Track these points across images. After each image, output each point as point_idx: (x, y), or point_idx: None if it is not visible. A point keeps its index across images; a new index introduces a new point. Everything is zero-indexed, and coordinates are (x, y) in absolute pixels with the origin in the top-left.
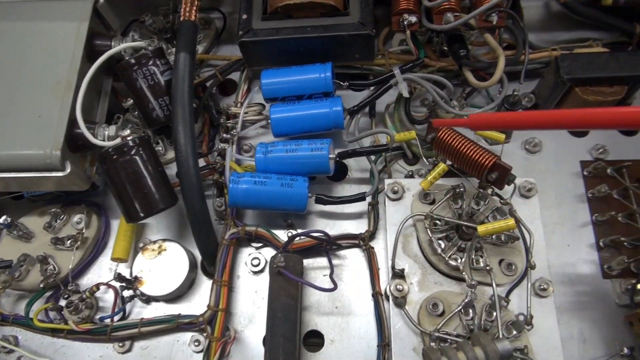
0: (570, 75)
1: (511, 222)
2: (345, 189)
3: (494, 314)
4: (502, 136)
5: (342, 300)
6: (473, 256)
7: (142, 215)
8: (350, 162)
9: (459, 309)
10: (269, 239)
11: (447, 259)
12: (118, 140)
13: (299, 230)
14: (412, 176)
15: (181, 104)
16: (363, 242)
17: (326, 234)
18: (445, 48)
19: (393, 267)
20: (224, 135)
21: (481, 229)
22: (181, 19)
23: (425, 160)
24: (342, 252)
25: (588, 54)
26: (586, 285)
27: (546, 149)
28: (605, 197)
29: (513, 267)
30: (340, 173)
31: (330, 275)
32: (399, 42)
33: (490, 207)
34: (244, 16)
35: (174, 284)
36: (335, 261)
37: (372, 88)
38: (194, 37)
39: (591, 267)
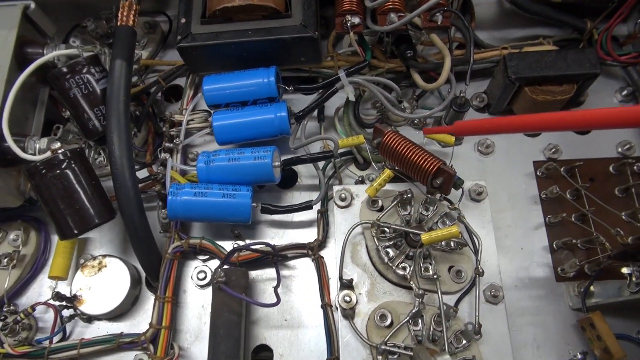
0: (518, 75)
1: (454, 229)
2: (295, 197)
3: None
4: (452, 139)
5: (292, 313)
6: (422, 264)
7: (75, 232)
8: (300, 168)
9: (406, 319)
10: (213, 252)
11: (394, 268)
12: (48, 153)
13: (248, 241)
14: (362, 182)
15: (116, 113)
16: (312, 251)
17: (271, 246)
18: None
19: (341, 278)
20: (167, 144)
21: (425, 237)
22: (118, 23)
23: (374, 165)
24: (292, 262)
25: (536, 52)
26: (540, 289)
27: (499, 150)
28: (558, 198)
29: (462, 274)
30: (290, 180)
31: (275, 289)
32: (348, 44)
33: (439, 212)
34: (183, 20)
35: (114, 301)
36: (284, 272)
37: (321, 91)
38: (131, 43)
39: (545, 270)
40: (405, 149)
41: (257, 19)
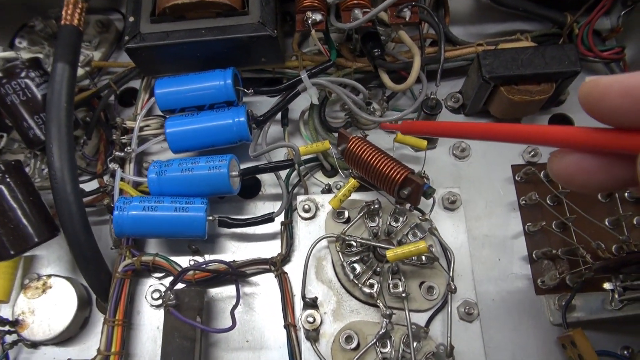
0: (493, 74)
1: (422, 245)
2: (259, 207)
3: (415, 344)
4: (424, 142)
5: (254, 334)
6: (390, 280)
7: (12, 252)
8: (264, 176)
9: (373, 341)
10: (168, 270)
11: (360, 285)
12: None
13: (206, 256)
14: (329, 190)
15: (56, 122)
16: (274, 267)
17: (227, 263)
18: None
19: (303, 297)
20: (117, 153)
21: (390, 254)
22: (62, 23)
23: (341, 172)
24: (255, 278)
25: (512, 49)
26: (519, 303)
27: (475, 153)
28: (537, 205)
29: (435, 290)
30: (253, 189)
31: (232, 311)
32: (313, 43)
33: (409, 223)
34: (131, 19)
35: (60, 325)
36: (246, 288)
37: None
38: (75, 45)
39: (524, 282)
40: (371, 156)
41: (211, 17)
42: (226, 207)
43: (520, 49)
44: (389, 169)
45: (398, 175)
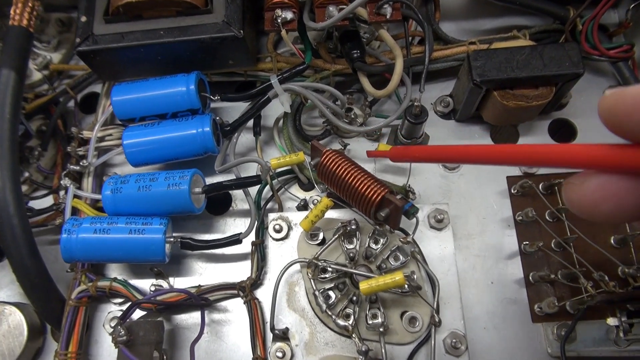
0: (484, 77)
1: (399, 277)
2: (229, 224)
3: None
4: None
5: None
6: (368, 310)
7: None
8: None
9: None
10: (127, 296)
11: (334, 317)
12: None
13: (171, 279)
14: (305, 207)
15: None
16: (243, 292)
17: (186, 292)
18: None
19: (272, 328)
20: (72, 167)
21: (364, 286)
22: (9, 23)
23: (317, 186)
24: (225, 304)
25: (506, 49)
26: (513, 332)
27: (468, 164)
28: (535, 221)
29: (418, 321)
30: (223, 204)
31: (192, 346)
32: (292, 40)
33: (390, 246)
34: (83, 18)
35: (9, 357)
36: (214, 314)
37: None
38: (23, 48)
39: (519, 308)
40: (346, 172)
41: (171, 16)
42: (193, 225)
43: (516, 49)
44: (365, 187)
45: (375, 195)
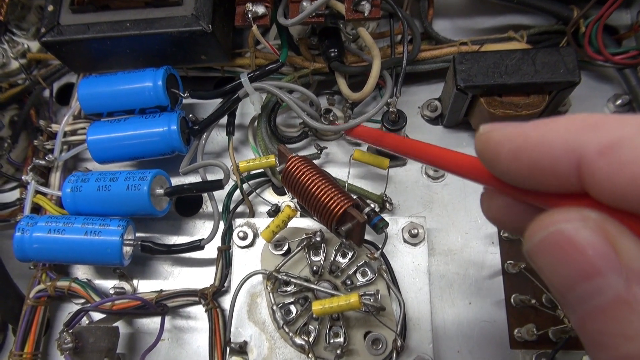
0: (469, 83)
1: (353, 299)
2: (197, 227)
3: None
4: (386, 162)
5: None
6: (329, 329)
7: None
8: None
9: None
10: (85, 298)
11: (291, 335)
12: None
13: (134, 282)
14: (276, 212)
15: None
16: (204, 300)
17: (141, 299)
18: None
19: (228, 341)
20: (37, 161)
21: (316, 307)
22: None
23: (288, 193)
24: (189, 309)
25: (495, 52)
26: (489, 357)
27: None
28: (520, 240)
29: (381, 344)
30: (193, 205)
31: (144, 355)
32: (274, 36)
33: (357, 261)
34: (50, 7)
35: None
36: (177, 321)
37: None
38: None
39: (497, 332)
40: (310, 181)
41: (139, 7)
42: (160, 226)
43: (506, 53)
44: (328, 198)
45: (337, 208)
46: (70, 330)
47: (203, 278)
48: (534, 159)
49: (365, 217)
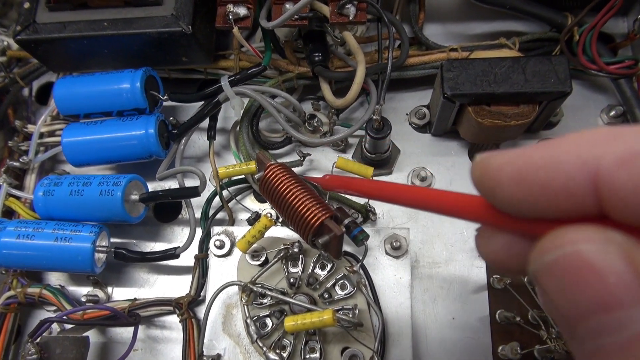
0: (456, 91)
1: (327, 316)
2: (176, 233)
3: None
4: (370, 170)
5: None
6: (305, 344)
7: None
8: None
9: None
10: (56, 305)
11: (264, 349)
12: None
13: (109, 289)
14: (257, 219)
15: None
16: (179, 310)
17: (111, 309)
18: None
19: (201, 354)
20: (11, 162)
21: (288, 323)
22: None
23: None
24: (164, 319)
25: (484, 60)
26: None
27: (439, 183)
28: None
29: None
30: (171, 211)
31: None
32: (260, 38)
33: (336, 273)
34: (26, 5)
35: None
36: (153, 330)
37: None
38: None
39: (480, 349)
40: (288, 191)
41: (119, 6)
42: (138, 232)
43: (496, 60)
44: (305, 209)
45: (314, 220)
46: (36, 341)
47: (180, 286)
48: (541, 179)
49: (343, 229)
